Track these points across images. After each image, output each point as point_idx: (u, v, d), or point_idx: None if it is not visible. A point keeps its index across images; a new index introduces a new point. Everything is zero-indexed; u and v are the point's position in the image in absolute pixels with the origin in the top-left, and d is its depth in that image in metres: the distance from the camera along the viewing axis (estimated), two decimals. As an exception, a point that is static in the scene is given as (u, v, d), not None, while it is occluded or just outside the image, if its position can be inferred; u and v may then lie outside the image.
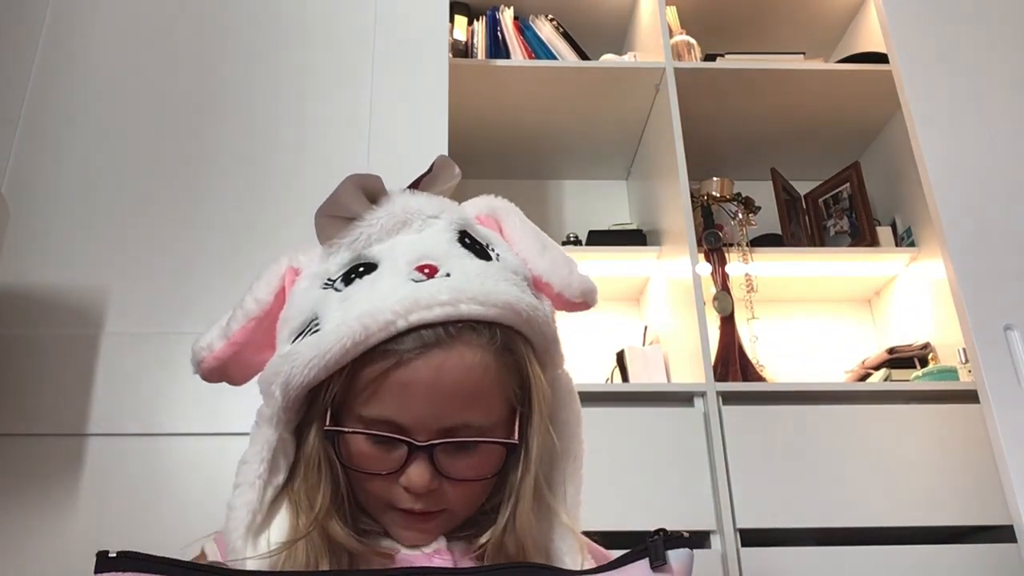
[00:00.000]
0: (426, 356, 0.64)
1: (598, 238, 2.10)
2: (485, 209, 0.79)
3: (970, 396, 1.48)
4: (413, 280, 0.67)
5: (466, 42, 2.08)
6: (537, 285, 0.74)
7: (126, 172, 1.51)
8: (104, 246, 1.44)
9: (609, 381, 1.97)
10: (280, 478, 0.68)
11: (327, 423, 0.66)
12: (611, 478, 1.47)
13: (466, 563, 0.70)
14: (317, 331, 0.66)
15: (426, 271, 0.67)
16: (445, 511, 0.69)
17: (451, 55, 1.65)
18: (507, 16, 2.13)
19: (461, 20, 2.08)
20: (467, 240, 0.72)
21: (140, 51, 1.61)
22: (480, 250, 0.71)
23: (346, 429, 0.66)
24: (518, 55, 2.10)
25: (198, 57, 1.61)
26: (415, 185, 0.78)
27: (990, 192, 1.54)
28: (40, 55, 1.58)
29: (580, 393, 1.59)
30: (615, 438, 1.52)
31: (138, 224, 1.47)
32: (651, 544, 0.62)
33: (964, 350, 1.59)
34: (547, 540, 0.70)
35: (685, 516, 1.46)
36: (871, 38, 2.12)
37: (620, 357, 1.92)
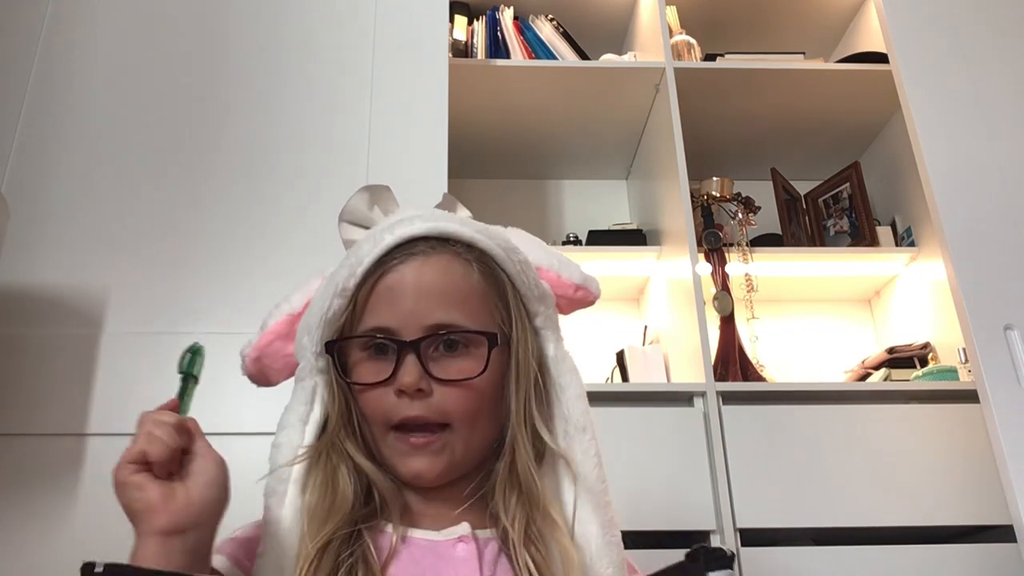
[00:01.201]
0: (410, 261, 0.72)
1: (598, 238, 2.10)
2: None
3: (970, 396, 1.48)
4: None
5: (466, 42, 2.08)
6: (538, 273, 0.79)
7: (126, 172, 1.51)
8: (104, 246, 1.44)
9: (609, 381, 1.97)
10: (317, 414, 0.73)
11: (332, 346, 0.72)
12: (611, 478, 1.47)
13: (491, 550, 0.70)
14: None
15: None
16: (445, 432, 0.71)
17: (451, 55, 1.65)
18: (507, 16, 2.13)
19: (461, 20, 2.08)
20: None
21: (140, 51, 1.61)
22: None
23: (342, 338, 0.72)
24: (518, 55, 2.10)
25: (198, 57, 1.61)
26: None
27: (990, 192, 1.54)
28: (40, 56, 1.58)
29: (580, 393, 1.56)
30: (615, 438, 1.52)
31: (138, 224, 1.47)
32: (691, 567, 0.61)
33: (964, 350, 1.59)
34: (550, 477, 0.73)
35: (685, 516, 1.46)
36: (871, 38, 2.12)
37: (620, 357, 1.92)
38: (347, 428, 0.73)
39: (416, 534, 0.71)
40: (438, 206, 0.83)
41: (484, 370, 0.71)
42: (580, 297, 0.83)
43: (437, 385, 0.70)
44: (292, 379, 0.78)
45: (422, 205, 0.82)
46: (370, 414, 0.72)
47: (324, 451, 0.71)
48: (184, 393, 0.69)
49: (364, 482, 0.71)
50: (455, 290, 0.72)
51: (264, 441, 0.74)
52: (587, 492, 0.73)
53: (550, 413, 0.75)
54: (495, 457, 0.74)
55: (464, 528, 0.71)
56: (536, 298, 0.77)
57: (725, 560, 0.61)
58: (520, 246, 0.79)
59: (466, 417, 0.71)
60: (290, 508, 0.69)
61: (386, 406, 0.70)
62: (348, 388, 0.73)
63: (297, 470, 0.71)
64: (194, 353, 0.70)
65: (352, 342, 0.72)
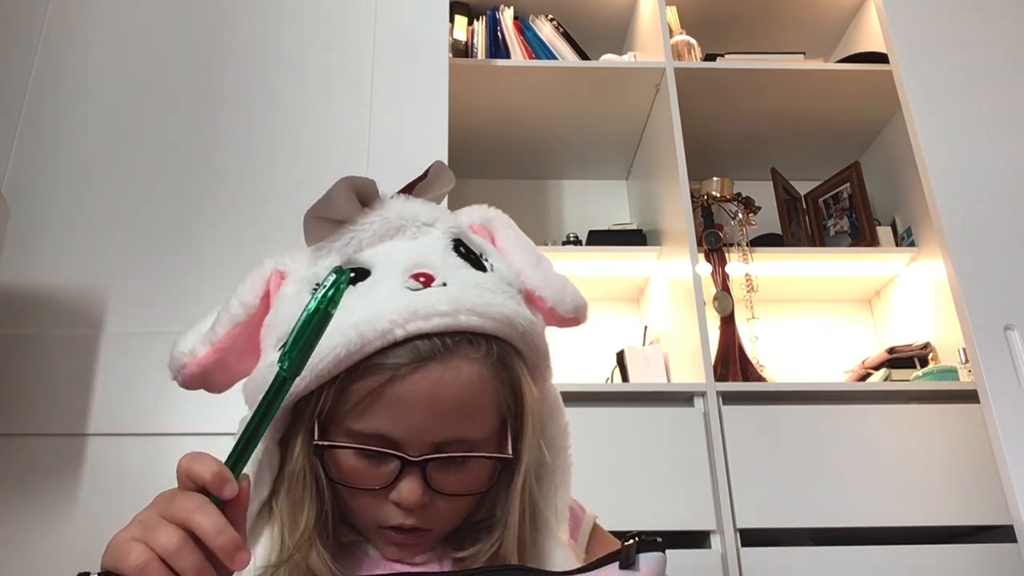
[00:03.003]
0: (423, 370, 0.62)
1: (598, 238, 2.10)
2: (479, 219, 0.77)
3: (970, 396, 1.48)
4: (409, 289, 0.64)
5: (466, 42, 2.08)
6: (530, 299, 0.73)
7: (126, 172, 1.51)
8: (104, 246, 1.44)
9: (609, 381, 1.97)
10: (265, 491, 0.66)
11: (316, 437, 0.64)
12: (611, 478, 1.47)
13: (448, 563, 0.69)
14: None
15: (422, 279, 0.65)
16: (433, 532, 0.68)
17: (451, 55, 1.65)
18: (507, 16, 2.13)
19: (461, 20, 2.08)
20: (462, 249, 0.70)
21: (140, 52, 1.61)
22: (475, 260, 0.70)
23: (337, 444, 0.64)
24: (518, 55, 2.10)
25: (198, 57, 1.61)
26: (408, 190, 0.76)
27: (990, 192, 1.54)
28: (40, 56, 1.58)
29: (580, 393, 1.60)
30: (615, 438, 1.52)
31: (138, 224, 1.47)
32: (624, 548, 0.61)
33: (964, 350, 1.59)
34: (544, 554, 0.69)
35: (685, 516, 1.46)
36: (871, 38, 2.12)
37: (620, 357, 1.92)
38: (317, 524, 0.65)
39: (375, 554, 0.70)
40: (426, 179, 0.77)
41: (487, 487, 0.67)
42: (568, 326, 0.77)
43: (436, 495, 0.65)
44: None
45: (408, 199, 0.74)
46: (358, 513, 0.67)
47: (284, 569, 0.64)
48: (279, 392, 0.52)
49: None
50: (469, 403, 0.64)
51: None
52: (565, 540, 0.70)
53: (548, 478, 0.71)
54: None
55: (426, 555, 0.70)
56: (542, 357, 0.72)
57: (656, 545, 0.62)
58: (506, 246, 0.75)
59: (456, 521, 0.69)
60: None
61: (378, 510, 0.66)
62: (330, 483, 0.66)
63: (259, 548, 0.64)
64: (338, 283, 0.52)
65: (339, 431, 0.64)
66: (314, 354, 0.58)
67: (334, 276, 0.52)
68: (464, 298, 0.65)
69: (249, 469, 0.59)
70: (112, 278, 1.42)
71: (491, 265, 0.71)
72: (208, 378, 0.73)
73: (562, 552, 0.68)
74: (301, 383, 0.62)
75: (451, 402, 0.63)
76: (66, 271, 1.42)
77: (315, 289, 0.65)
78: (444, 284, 0.66)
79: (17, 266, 1.40)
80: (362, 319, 0.62)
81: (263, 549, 0.64)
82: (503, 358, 0.66)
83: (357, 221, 0.70)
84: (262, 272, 0.72)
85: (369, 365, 0.62)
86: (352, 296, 0.64)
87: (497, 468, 0.67)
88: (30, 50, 1.58)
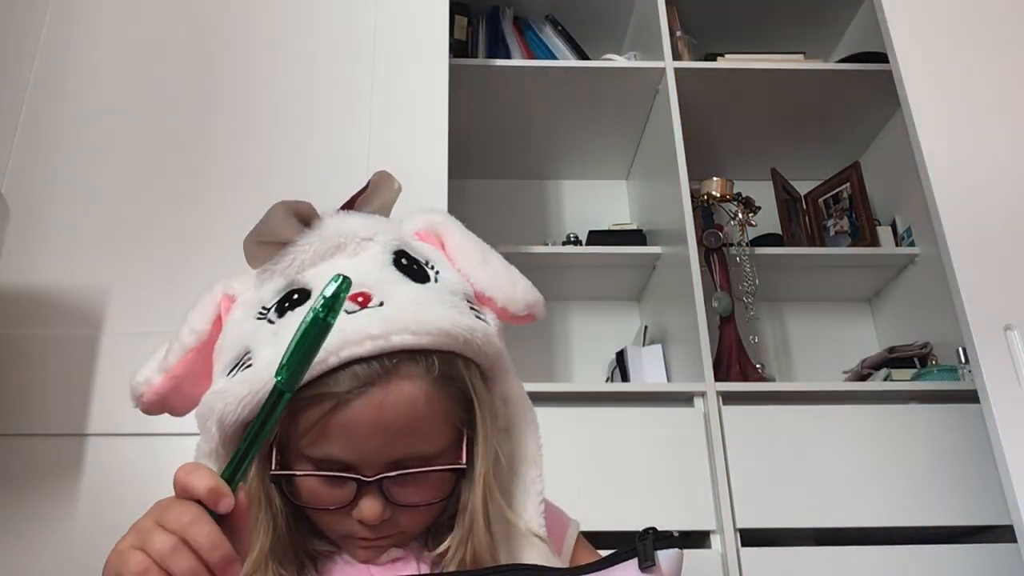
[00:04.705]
0: (365, 395, 0.63)
1: (598, 238, 2.10)
2: (424, 225, 0.77)
3: (970, 396, 1.48)
4: (347, 311, 0.64)
5: (466, 42, 2.08)
6: (480, 299, 0.72)
7: (126, 172, 1.51)
8: (104, 246, 1.44)
9: (609, 381, 1.97)
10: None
11: (273, 465, 0.65)
12: (611, 478, 1.47)
13: (425, 568, 0.69)
14: (250, 366, 0.65)
15: (359, 300, 0.65)
16: (400, 534, 0.69)
17: (451, 55, 1.65)
18: (507, 16, 2.13)
19: (461, 20, 2.08)
20: (403, 261, 0.70)
21: (140, 51, 1.61)
22: (418, 270, 0.70)
23: (295, 472, 0.65)
24: (518, 55, 2.10)
25: (198, 57, 1.61)
26: (349, 204, 0.76)
27: (990, 192, 1.53)
28: (40, 56, 1.58)
29: (580, 393, 1.60)
30: (615, 438, 1.52)
31: (138, 224, 1.47)
32: (640, 544, 0.62)
33: (964, 350, 1.59)
34: (516, 553, 0.69)
35: (685, 516, 1.46)
36: (871, 38, 2.11)
37: (620, 357, 1.92)
38: (272, 546, 0.66)
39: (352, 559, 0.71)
40: (367, 191, 0.76)
41: (448, 496, 0.68)
42: (524, 323, 0.75)
43: (397, 508, 0.67)
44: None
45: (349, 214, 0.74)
46: (325, 528, 0.69)
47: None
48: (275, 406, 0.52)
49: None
50: (417, 421, 0.65)
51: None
52: (536, 532, 0.70)
53: (511, 462, 0.71)
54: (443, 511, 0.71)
55: (397, 551, 0.70)
56: (494, 357, 0.71)
57: (673, 541, 0.62)
58: (453, 250, 0.74)
59: (424, 525, 0.70)
60: None
61: (344, 526, 0.67)
62: (289, 502, 0.67)
63: None
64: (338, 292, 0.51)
65: (295, 456, 0.65)
66: (254, 382, 0.62)
67: (334, 285, 0.51)
68: (398, 317, 0.64)
69: None
70: (112, 278, 1.42)
71: (436, 272, 0.71)
72: (166, 404, 0.74)
73: (537, 548, 0.69)
74: (245, 410, 0.63)
75: (397, 423, 0.64)
76: (66, 271, 1.42)
77: (260, 315, 0.67)
78: (381, 304, 0.65)
79: (17, 266, 1.40)
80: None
81: None
82: (446, 371, 0.66)
83: (297, 242, 0.70)
84: (212, 297, 0.74)
85: (313, 394, 0.63)
86: (291, 319, 0.66)
87: (455, 477, 0.68)
88: (30, 50, 1.57)
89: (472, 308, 0.70)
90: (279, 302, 0.68)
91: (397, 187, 0.78)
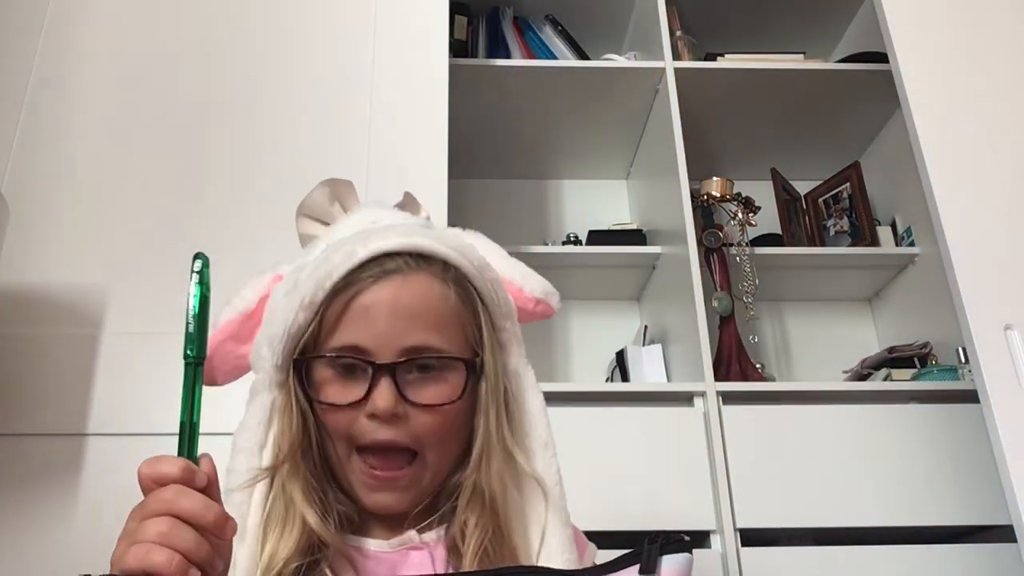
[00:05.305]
0: (386, 280, 0.69)
1: (598, 238, 2.10)
2: (452, 233, 0.83)
3: (970, 396, 1.48)
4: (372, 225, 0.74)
5: (466, 42, 2.08)
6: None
7: (126, 172, 1.51)
8: (104, 246, 1.44)
9: (609, 381, 1.97)
10: (273, 445, 0.70)
11: (296, 355, 0.69)
12: (611, 478, 1.47)
13: (440, 550, 0.70)
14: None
15: (384, 224, 0.76)
16: (413, 464, 0.69)
17: (451, 55, 1.65)
18: (507, 16, 2.13)
19: (461, 20, 2.08)
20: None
21: (140, 51, 1.61)
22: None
23: (311, 355, 0.69)
24: (518, 55, 2.10)
25: (198, 57, 1.61)
26: None
27: (990, 192, 1.53)
28: (40, 55, 1.58)
29: (580, 393, 1.60)
30: (615, 438, 1.52)
31: (138, 224, 1.47)
32: (647, 549, 0.62)
33: (964, 350, 1.59)
34: (525, 502, 0.71)
35: (685, 516, 1.46)
36: (871, 38, 2.11)
37: (620, 357, 1.92)
38: (305, 451, 0.69)
39: (370, 545, 0.70)
40: (398, 205, 0.83)
41: (461, 396, 0.69)
42: (540, 311, 0.81)
43: (411, 409, 0.68)
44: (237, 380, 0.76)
45: (384, 203, 0.83)
46: (336, 435, 0.69)
47: (281, 476, 0.68)
48: (194, 383, 0.58)
49: (319, 504, 0.69)
50: (433, 312, 0.69)
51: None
52: (555, 511, 0.71)
53: (519, 432, 0.74)
54: (456, 470, 0.72)
55: (413, 537, 0.70)
56: (503, 314, 0.75)
57: (682, 545, 0.62)
58: (487, 254, 0.78)
59: (437, 443, 0.70)
60: (249, 535, 0.66)
61: (355, 429, 0.68)
62: (311, 407, 0.69)
63: (256, 499, 0.68)
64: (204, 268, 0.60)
65: (319, 359, 0.69)
66: (298, 292, 0.69)
67: (198, 263, 0.60)
68: (423, 231, 0.73)
69: (261, 419, 0.69)
70: (112, 278, 1.41)
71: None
72: (211, 363, 0.75)
73: (531, 490, 0.71)
74: (289, 316, 0.68)
75: (413, 306, 0.69)
76: (66, 271, 1.41)
77: (301, 268, 0.73)
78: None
79: (17, 266, 1.40)
80: (331, 250, 0.71)
81: (265, 459, 0.70)
82: (461, 282, 0.72)
83: (336, 223, 0.79)
84: (264, 276, 0.79)
85: (339, 286, 0.69)
86: (329, 238, 0.76)
87: (467, 381, 0.70)
88: (30, 50, 1.57)
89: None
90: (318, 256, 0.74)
91: (425, 215, 0.85)
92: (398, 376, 0.67)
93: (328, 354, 0.68)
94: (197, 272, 0.59)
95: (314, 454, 0.70)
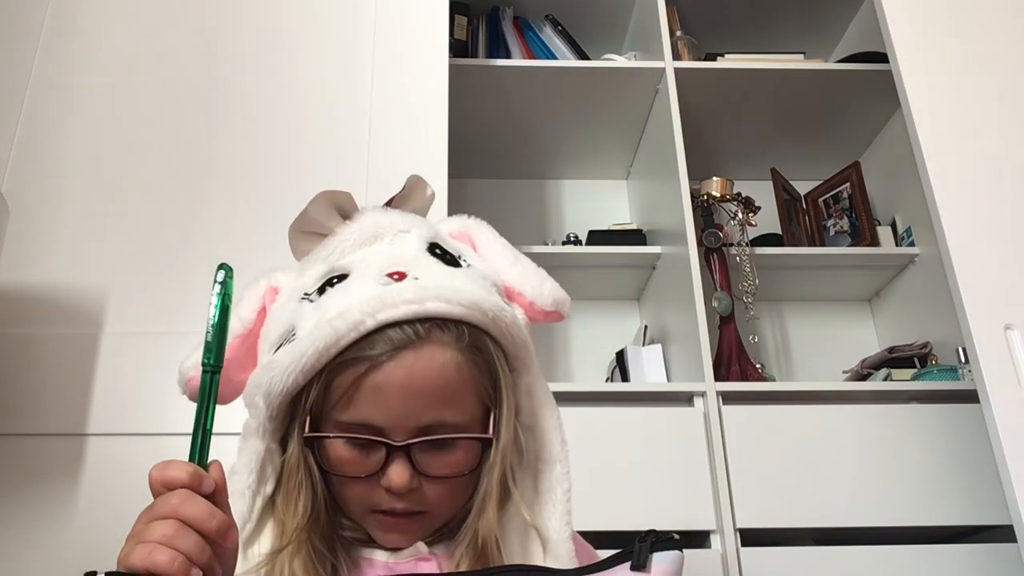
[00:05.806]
0: (397, 358, 0.66)
1: (598, 238, 2.10)
2: (458, 226, 0.81)
3: (970, 396, 1.48)
4: (382, 284, 0.69)
5: (466, 42, 2.08)
6: (509, 295, 0.76)
7: (126, 172, 1.51)
8: (104, 246, 1.44)
9: (609, 381, 1.97)
10: (268, 488, 0.69)
11: (306, 430, 0.67)
12: (611, 478, 1.47)
13: (449, 566, 0.70)
14: (294, 340, 0.68)
15: (395, 276, 0.70)
16: (426, 513, 0.70)
17: (451, 55, 1.65)
18: (507, 16, 2.13)
19: (461, 20, 2.08)
20: (437, 251, 0.74)
21: (140, 51, 1.61)
22: (450, 259, 0.74)
23: (327, 435, 0.67)
24: (518, 55, 2.10)
25: (198, 57, 1.61)
26: (388, 204, 0.80)
27: (990, 192, 1.53)
28: (40, 55, 1.58)
29: (580, 393, 1.60)
30: (615, 438, 1.52)
31: (138, 224, 1.47)
32: (637, 546, 0.62)
33: (964, 350, 1.59)
34: (517, 541, 0.70)
35: (685, 516, 1.46)
36: (871, 38, 2.11)
37: (620, 357, 1.92)
38: (312, 513, 0.68)
39: (377, 555, 0.71)
40: (403, 192, 0.81)
41: (475, 467, 0.69)
42: (551, 320, 0.79)
43: (425, 479, 0.68)
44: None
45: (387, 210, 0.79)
46: (351, 501, 0.70)
47: (287, 555, 0.66)
48: (211, 388, 0.58)
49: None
50: (448, 388, 0.67)
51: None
52: (553, 559, 0.69)
53: (531, 464, 0.73)
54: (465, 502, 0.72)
55: (421, 548, 0.71)
56: (519, 345, 0.73)
57: (673, 543, 0.62)
58: (484, 249, 0.77)
59: (450, 505, 0.71)
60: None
61: (371, 497, 0.68)
62: (324, 476, 0.69)
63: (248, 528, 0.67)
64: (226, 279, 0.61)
65: (329, 425, 0.68)
66: (297, 350, 0.66)
67: (221, 273, 0.60)
68: (432, 287, 0.68)
69: (251, 468, 0.67)
70: (112, 278, 1.41)
71: (467, 264, 0.74)
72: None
73: (551, 555, 0.69)
74: (290, 379, 0.66)
75: (427, 386, 0.66)
76: (66, 271, 1.41)
77: (303, 298, 0.71)
78: (416, 279, 0.70)
79: (17, 266, 1.40)
80: (336, 314, 0.67)
81: (266, 540, 0.68)
82: (476, 342, 0.69)
83: (337, 232, 0.75)
84: (258, 290, 0.78)
85: (348, 358, 0.66)
86: (331, 295, 0.70)
87: (481, 452, 0.69)
88: (30, 50, 1.57)
89: (501, 296, 0.74)
90: (320, 286, 0.72)
91: (431, 193, 0.82)
92: (412, 454, 0.67)
93: (345, 435, 0.67)
94: (220, 283, 0.60)
95: (322, 519, 0.69)
